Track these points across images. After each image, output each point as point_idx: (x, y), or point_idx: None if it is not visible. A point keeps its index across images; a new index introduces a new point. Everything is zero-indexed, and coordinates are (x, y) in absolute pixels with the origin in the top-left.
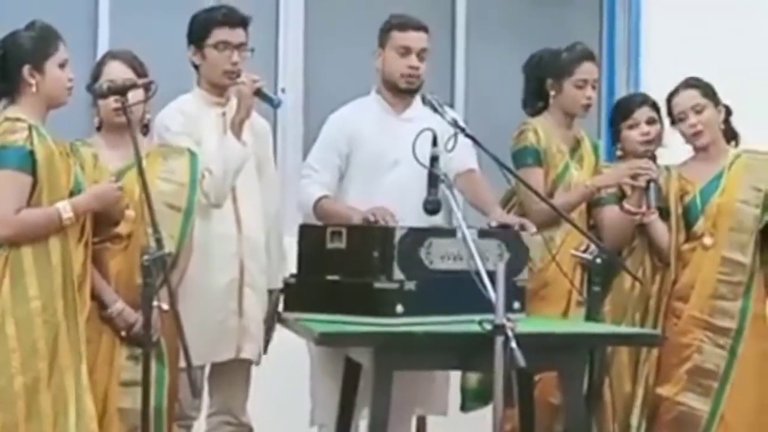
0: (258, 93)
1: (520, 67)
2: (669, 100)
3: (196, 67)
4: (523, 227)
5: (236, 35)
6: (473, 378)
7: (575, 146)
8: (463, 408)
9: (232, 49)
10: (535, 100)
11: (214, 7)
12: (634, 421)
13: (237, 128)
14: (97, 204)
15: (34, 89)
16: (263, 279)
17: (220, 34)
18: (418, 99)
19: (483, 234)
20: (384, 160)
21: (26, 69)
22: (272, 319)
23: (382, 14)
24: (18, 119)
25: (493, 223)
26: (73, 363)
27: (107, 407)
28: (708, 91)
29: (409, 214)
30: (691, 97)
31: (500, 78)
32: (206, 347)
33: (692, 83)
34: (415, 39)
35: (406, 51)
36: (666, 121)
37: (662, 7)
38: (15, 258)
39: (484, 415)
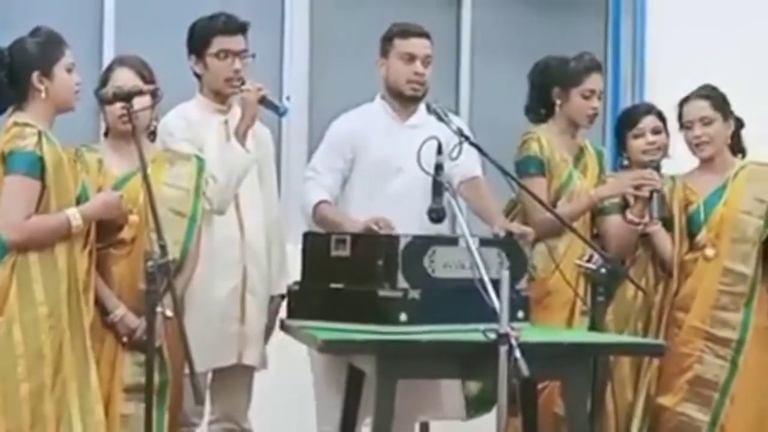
0: (263, 101)
1: (525, 76)
2: (680, 105)
3: (197, 75)
4: (522, 236)
5: (236, 42)
6: (474, 386)
7: (579, 155)
8: (467, 415)
9: (233, 56)
10: (539, 107)
11: (213, 16)
12: (635, 430)
13: (241, 136)
14: (104, 212)
15: (43, 95)
16: (264, 285)
17: (220, 42)
18: (422, 106)
19: (484, 242)
20: (388, 167)
21: (35, 75)
22: (272, 325)
23: (386, 23)
24: (27, 125)
25: (501, 232)
26: (78, 370)
27: (109, 413)
28: (719, 104)
29: (412, 222)
30: (701, 108)
31: (505, 87)
32: (208, 353)
33: (705, 93)
34: (418, 45)
35: (410, 58)
36: (673, 130)
37: (668, 16)
38: (22, 264)
39: (487, 423)
